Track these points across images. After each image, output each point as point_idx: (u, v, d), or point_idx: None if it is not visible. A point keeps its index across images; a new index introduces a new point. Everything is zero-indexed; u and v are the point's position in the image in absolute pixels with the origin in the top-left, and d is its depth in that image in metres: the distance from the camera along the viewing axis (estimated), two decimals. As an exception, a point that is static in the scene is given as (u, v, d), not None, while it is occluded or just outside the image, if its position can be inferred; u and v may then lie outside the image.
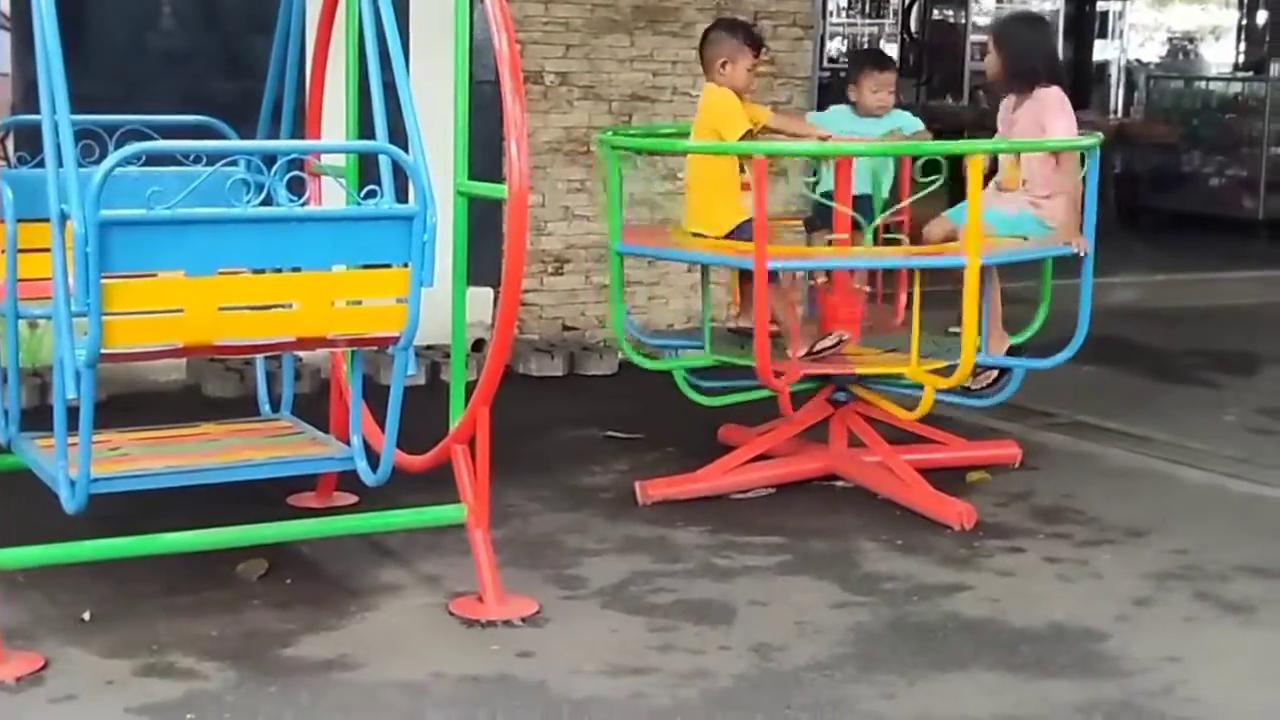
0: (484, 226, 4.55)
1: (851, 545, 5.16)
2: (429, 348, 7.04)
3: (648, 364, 5.93)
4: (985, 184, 5.67)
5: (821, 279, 5.90)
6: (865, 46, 17.98)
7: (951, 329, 5.74)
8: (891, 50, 21.51)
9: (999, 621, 4.49)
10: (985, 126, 8.32)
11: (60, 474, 4.14)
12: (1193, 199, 14.43)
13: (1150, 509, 5.62)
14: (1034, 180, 5.74)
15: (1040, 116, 5.76)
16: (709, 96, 5.74)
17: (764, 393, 5.74)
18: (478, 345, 7.02)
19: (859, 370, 5.69)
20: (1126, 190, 14.32)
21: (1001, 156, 5.82)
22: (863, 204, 5.68)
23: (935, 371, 5.53)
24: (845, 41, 22.95)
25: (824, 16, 13.75)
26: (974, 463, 6.07)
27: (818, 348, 5.67)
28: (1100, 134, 5.89)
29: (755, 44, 5.80)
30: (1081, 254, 5.60)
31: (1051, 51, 6.49)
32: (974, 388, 5.94)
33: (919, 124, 6.19)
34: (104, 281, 3.81)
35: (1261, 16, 21.73)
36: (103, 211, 3.77)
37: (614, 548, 5.10)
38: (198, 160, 4.50)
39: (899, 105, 6.32)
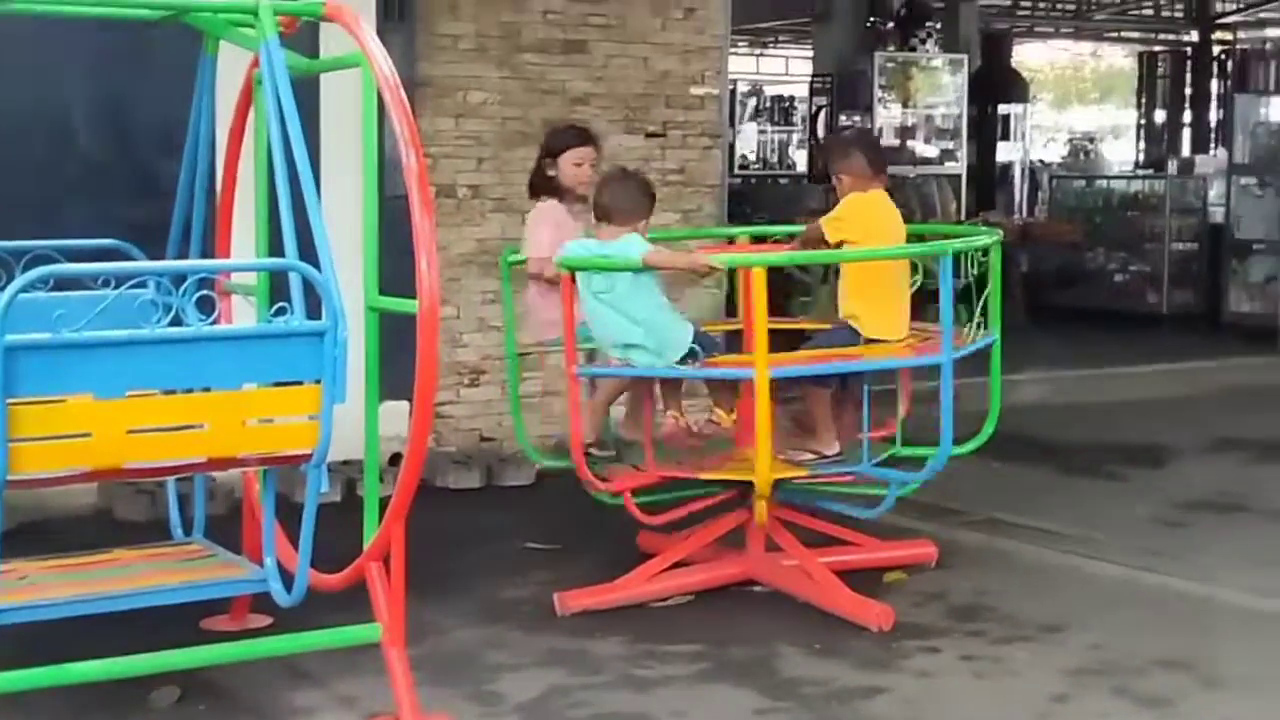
0: (399, 340, 4.54)
1: (771, 650, 5.16)
2: (345, 463, 7.00)
3: (549, 462, 6.01)
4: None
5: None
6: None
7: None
8: (800, 157, 21.88)
9: (918, 723, 4.50)
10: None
11: (-34, 604, 4.07)
12: (1097, 295, 14.72)
13: (1064, 604, 5.67)
14: None
15: None
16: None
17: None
18: (395, 459, 6.97)
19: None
20: (1033, 288, 14.56)
21: None
22: None
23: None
24: (757, 149, 23.36)
25: (732, 125, 13.96)
26: (890, 563, 6.11)
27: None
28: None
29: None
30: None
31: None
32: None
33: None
34: (10, 406, 3.77)
35: (1159, 116, 22.35)
36: (8, 336, 3.74)
37: (533, 661, 5.07)
38: (106, 283, 4.49)
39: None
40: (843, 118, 15.76)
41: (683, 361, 5.43)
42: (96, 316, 3.91)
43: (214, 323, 4.19)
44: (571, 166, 6.10)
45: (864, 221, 5.82)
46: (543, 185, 6.17)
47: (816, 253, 6.10)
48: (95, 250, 5.12)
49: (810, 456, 5.71)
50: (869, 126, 15.33)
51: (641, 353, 5.47)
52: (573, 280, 5.50)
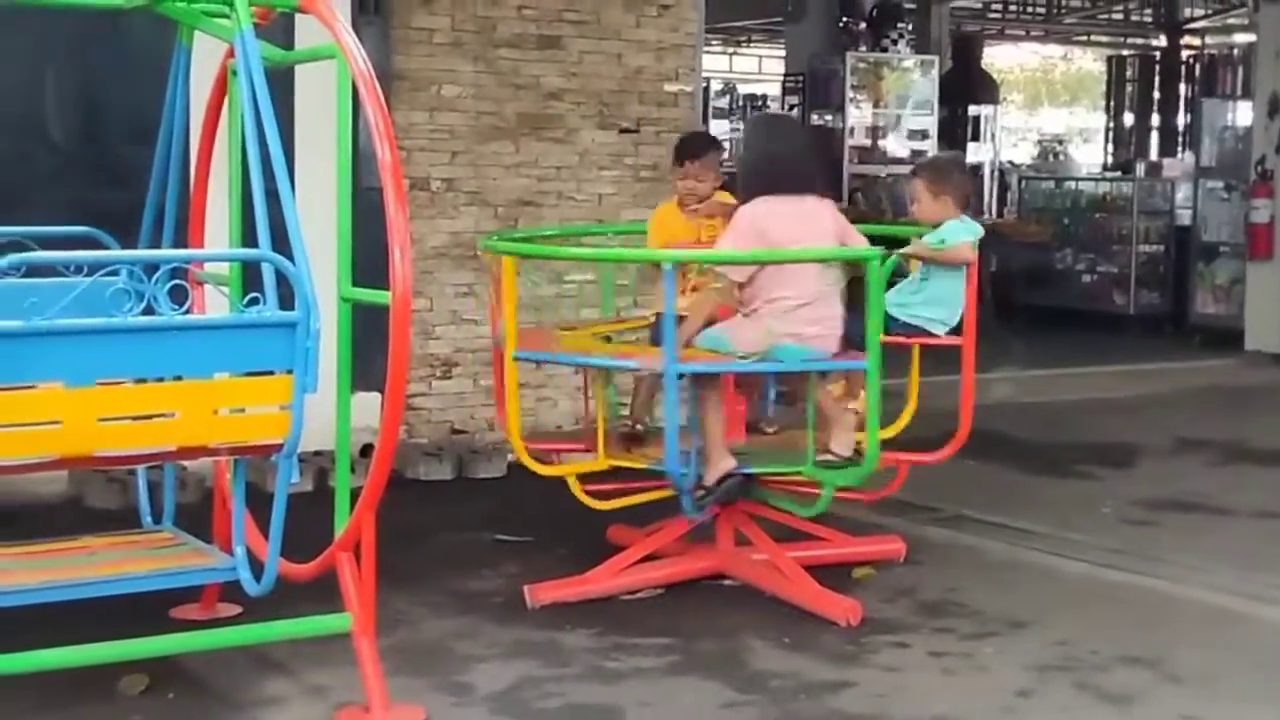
0: (372, 330, 4.55)
1: (740, 644, 5.18)
2: (316, 453, 6.99)
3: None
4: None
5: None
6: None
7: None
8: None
9: (884, 717, 4.53)
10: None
11: (-66, 591, 4.06)
12: (1066, 295, 14.81)
13: (1031, 601, 5.72)
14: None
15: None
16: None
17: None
18: (366, 450, 6.99)
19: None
20: (1001, 288, 14.63)
21: None
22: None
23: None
24: (730, 147, 23.36)
25: (705, 122, 13.99)
26: (860, 559, 6.14)
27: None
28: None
29: (678, 156, 6.13)
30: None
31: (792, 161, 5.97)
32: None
33: None
34: (-20, 393, 3.77)
35: (1128, 119, 22.48)
36: (-21, 323, 3.74)
37: (503, 653, 5.09)
38: (79, 271, 4.48)
39: None
40: (814, 117, 15.81)
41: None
42: (68, 304, 3.91)
43: (186, 312, 4.18)
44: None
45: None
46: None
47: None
48: (68, 237, 5.11)
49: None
50: (837, 126, 15.40)
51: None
52: None
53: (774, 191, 5.58)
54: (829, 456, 5.65)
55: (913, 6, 16.88)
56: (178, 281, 4.19)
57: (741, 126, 19.74)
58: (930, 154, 15.28)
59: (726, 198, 6.04)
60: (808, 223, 5.60)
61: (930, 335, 5.77)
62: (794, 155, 5.76)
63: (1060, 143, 26.37)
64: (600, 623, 5.37)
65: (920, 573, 6.07)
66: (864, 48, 15.86)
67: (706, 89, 20.28)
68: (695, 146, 6.23)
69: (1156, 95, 22.05)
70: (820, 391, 5.69)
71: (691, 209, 6.12)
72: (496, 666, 4.94)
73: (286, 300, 4.23)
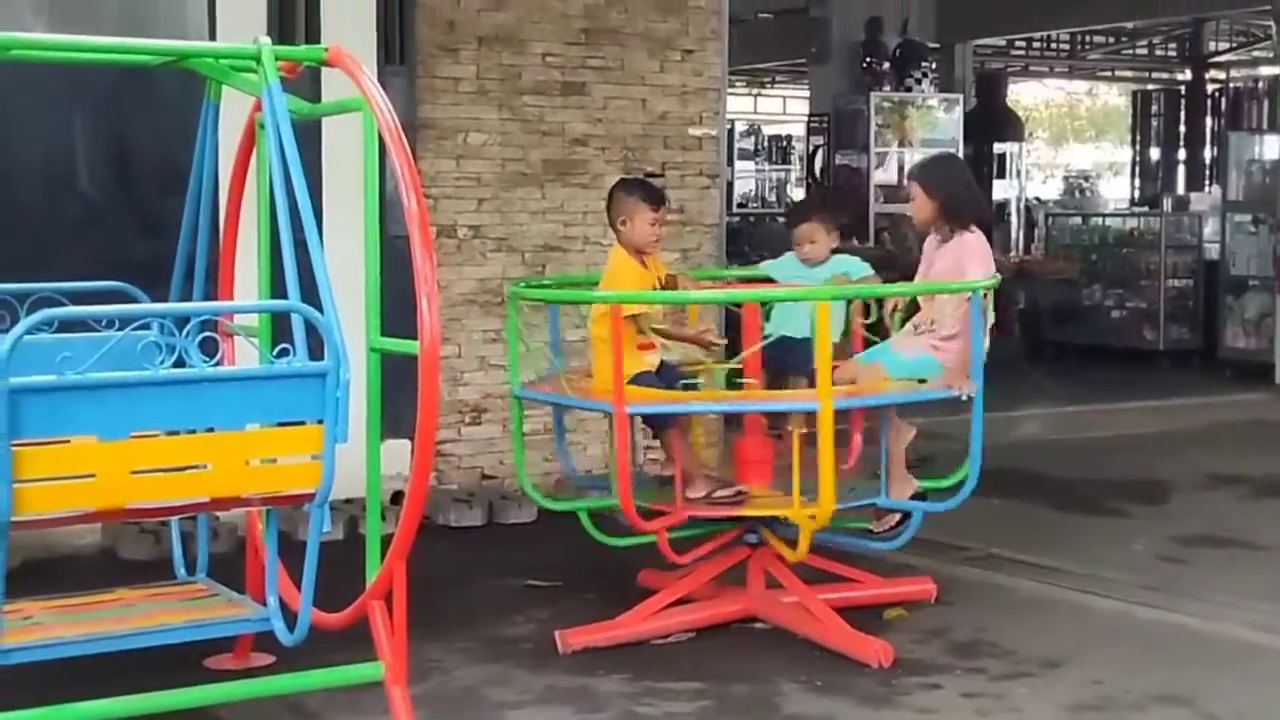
0: (402, 378, 4.58)
1: (772, 687, 5.18)
2: (347, 501, 7.03)
3: (551, 505, 6.05)
4: (902, 325, 5.88)
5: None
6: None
7: (878, 471, 5.84)
8: (798, 195, 21.99)
9: (919, 759, 4.52)
10: (892, 266, 8.57)
11: (-30, 644, 4.09)
12: (1094, 331, 14.77)
13: (1064, 640, 5.69)
14: (942, 322, 5.85)
15: (961, 259, 5.87)
16: (609, 258, 5.92)
17: (671, 534, 5.81)
18: (397, 497, 7.01)
19: (741, 513, 5.73)
20: (1030, 325, 14.63)
21: (921, 298, 5.96)
22: (801, 348, 5.71)
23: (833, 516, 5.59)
24: (755, 187, 23.46)
25: (730, 165, 14.04)
26: (890, 600, 6.12)
27: (717, 495, 5.73)
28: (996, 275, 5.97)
29: (653, 200, 5.92)
30: (965, 398, 5.64)
31: (979, 193, 6.57)
32: (876, 530, 5.98)
33: (865, 268, 6.24)
34: (14, 449, 3.80)
35: (1154, 153, 22.47)
36: (12, 379, 3.78)
37: (535, 699, 5.09)
38: (110, 325, 4.52)
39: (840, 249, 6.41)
40: (839, 157, 15.85)
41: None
42: (100, 358, 3.95)
43: (217, 364, 4.22)
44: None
45: None
46: None
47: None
48: (99, 292, 5.16)
49: (728, 494, 5.77)
50: (857, 167, 15.43)
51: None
52: None
53: (976, 223, 5.95)
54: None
55: (936, 46, 16.92)
56: (208, 333, 4.23)
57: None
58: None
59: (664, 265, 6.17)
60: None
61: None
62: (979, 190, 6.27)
63: (1087, 178, 26.35)
64: (632, 667, 5.37)
65: (952, 613, 6.06)
66: (888, 87, 15.91)
67: (731, 130, 20.38)
68: (661, 191, 6.23)
69: (1183, 129, 22.04)
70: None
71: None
72: (529, 713, 4.94)
73: (316, 350, 4.27)
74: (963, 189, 6.08)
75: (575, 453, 8.38)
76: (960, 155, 16.06)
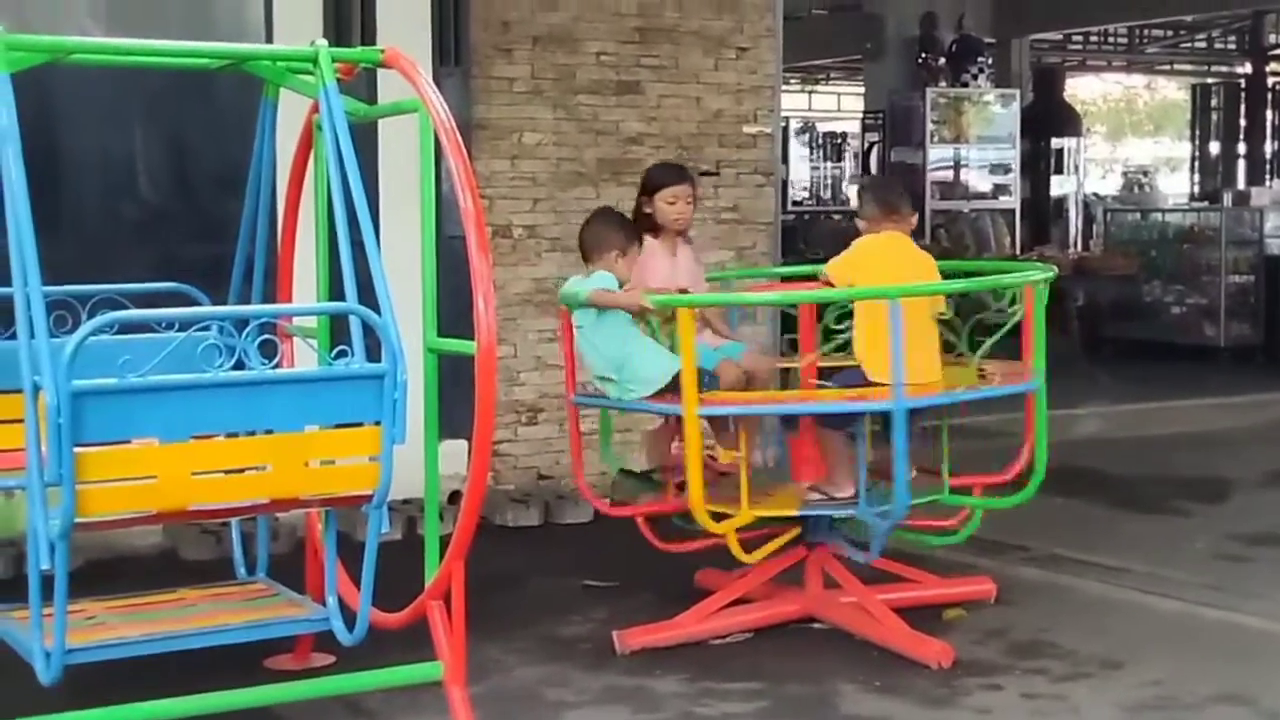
0: (459, 378, 4.60)
1: (830, 688, 5.16)
2: (405, 502, 7.05)
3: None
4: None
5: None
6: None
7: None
8: (853, 192, 21.89)
9: (980, 760, 4.49)
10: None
11: (35, 646, 4.13)
12: (1154, 328, 14.64)
13: (1125, 640, 5.64)
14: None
15: None
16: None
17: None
18: (455, 497, 7.04)
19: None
20: (1089, 321, 14.50)
21: None
22: None
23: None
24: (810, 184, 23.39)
25: (785, 162, 14.01)
26: (950, 600, 6.08)
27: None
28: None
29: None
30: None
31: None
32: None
33: None
34: (77, 452, 3.84)
35: (1214, 148, 22.25)
36: (75, 382, 3.81)
37: (593, 699, 5.09)
38: (170, 327, 4.56)
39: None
40: (894, 153, 15.78)
41: (672, 392, 5.45)
42: (161, 361, 3.98)
43: (276, 366, 4.24)
44: (666, 204, 6.13)
45: (860, 263, 5.74)
46: (641, 223, 6.14)
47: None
48: (159, 294, 5.21)
49: (819, 497, 5.71)
50: (913, 164, 15.35)
51: (611, 385, 5.66)
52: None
53: None
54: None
55: (992, 41, 16.83)
56: (267, 335, 4.26)
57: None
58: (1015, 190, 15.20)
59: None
60: None
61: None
62: None
63: (1145, 173, 26.13)
64: (689, 668, 5.37)
65: (1011, 613, 6.01)
66: (944, 83, 15.82)
67: (785, 128, 20.33)
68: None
69: (1243, 123, 21.81)
70: None
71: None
72: (587, 713, 4.95)
73: (374, 351, 4.28)
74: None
75: (626, 454, 8.41)
76: (1019, 150, 15.98)
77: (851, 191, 22.50)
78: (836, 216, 20.95)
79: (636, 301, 5.62)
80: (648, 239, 6.06)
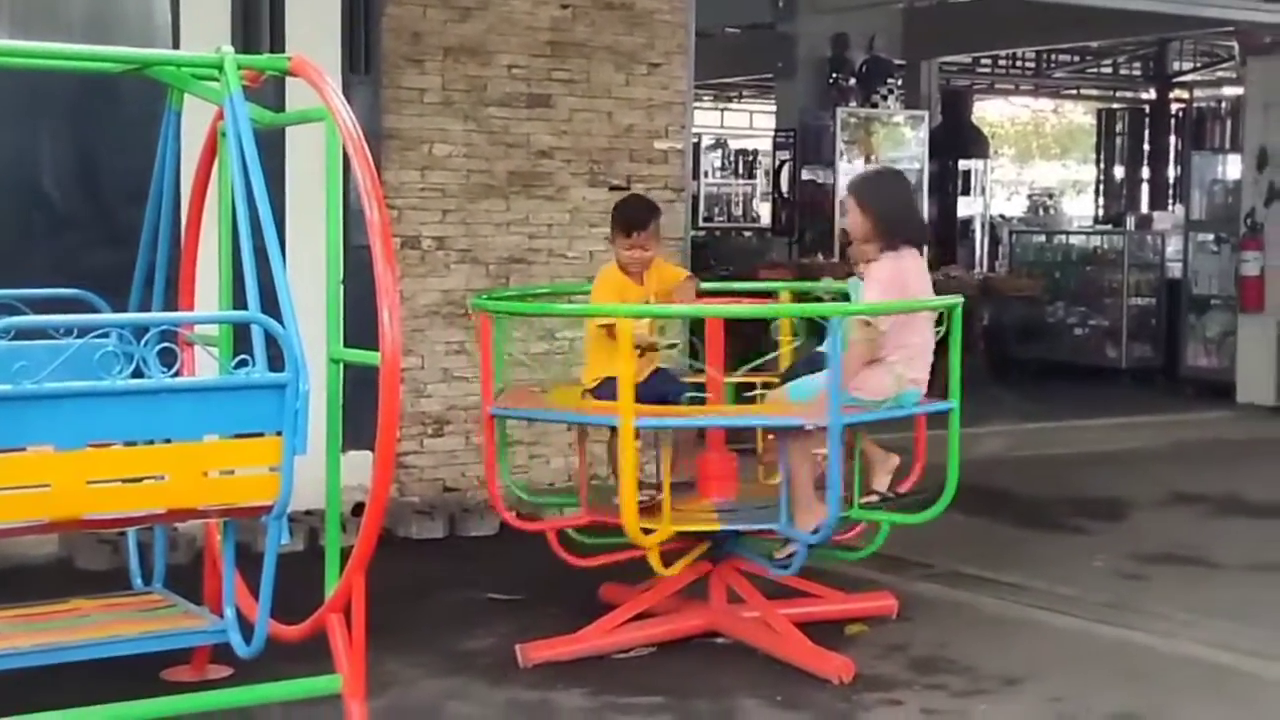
0: (364, 388, 4.56)
1: (733, 703, 5.16)
2: (307, 513, 6.98)
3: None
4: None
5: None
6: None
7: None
8: (764, 210, 22.04)
9: (879, 775, 4.52)
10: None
11: (-77, 655, 4.05)
12: (1058, 349, 14.85)
13: (1024, 657, 5.70)
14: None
15: (866, 285, 5.82)
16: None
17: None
18: (358, 509, 6.96)
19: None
20: (994, 342, 14.66)
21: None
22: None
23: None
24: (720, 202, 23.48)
25: (696, 178, 14.03)
26: (852, 615, 6.12)
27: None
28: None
29: (624, 226, 6.04)
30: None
31: (916, 213, 6.57)
32: (779, 556, 5.81)
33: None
34: (-31, 458, 3.77)
35: (1119, 172, 22.59)
36: (-32, 387, 3.74)
37: (496, 713, 5.07)
38: (68, 333, 4.48)
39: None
40: (805, 172, 15.87)
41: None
42: (58, 367, 3.91)
43: (175, 374, 4.19)
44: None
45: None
46: None
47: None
48: (58, 299, 5.12)
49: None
50: (823, 183, 15.45)
51: None
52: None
53: (909, 244, 5.86)
54: (873, 497, 5.86)
55: (902, 63, 16.97)
56: (167, 343, 4.20)
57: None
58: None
59: (679, 273, 6.24)
60: (925, 274, 6.01)
61: None
62: (917, 210, 6.20)
63: (1051, 196, 26.48)
64: (593, 681, 5.35)
65: (912, 629, 6.06)
66: (854, 103, 15.94)
67: (697, 145, 20.39)
68: (641, 216, 6.16)
69: (1146, 148, 22.16)
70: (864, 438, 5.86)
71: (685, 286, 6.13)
72: (488, 727, 4.92)
73: (277, 360, 4.24)
74: (899, 207, 6.01)
75: (537, 465, 8.40)
76: (898, 173, 16.11)
77: (763, 209, 22.64)
78: (747, 234, 21.03)
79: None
80: None
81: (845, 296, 6.13)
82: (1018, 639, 5.99)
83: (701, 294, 6.32)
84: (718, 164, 24.10)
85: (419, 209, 8.16)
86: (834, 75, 16.05)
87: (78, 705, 4.23)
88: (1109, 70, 23.53)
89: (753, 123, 28.31)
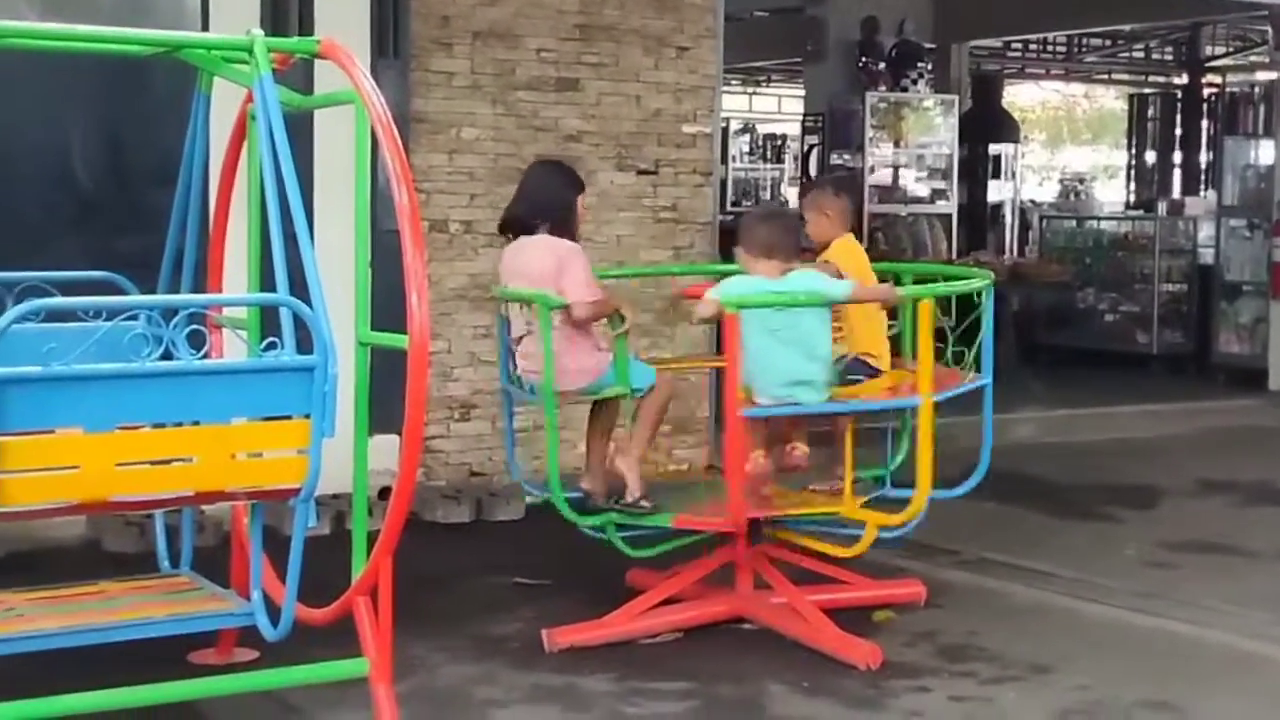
0: (391, 372, 4.55)
1: (759, 688, 5.15)
2: (334, 496, 6.98)
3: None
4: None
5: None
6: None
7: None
8: (792, 195, 22.00)
9: (906, 763, 4.50)
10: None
11: (-48, 637, 4.06)
12: (1088, 335, 14.75)
13: (1053, 645, 5.67)
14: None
15: None
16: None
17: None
18: (384, 493, 6.98)
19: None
20: (1024, 328, 14.58)
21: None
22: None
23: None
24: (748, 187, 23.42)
25: (725, 163, 13.99)
26: (880, 602, 6.10)
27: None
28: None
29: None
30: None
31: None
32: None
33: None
34: (-1, 439, 3.77)
35: (1150, 157, 22.44)
36: (-1, 369, 3.75)
37: (522, 698, 5.06)
38: (97, 315, 4.49)
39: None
40: (834, 156, 15.81)
41: None
42: (88, 350, 3.92)
43: (204, 357, 4.19)
44: (582, 208, 6.12)
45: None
46: (574, 224, 6.04)
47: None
48: (87, 282, 5.13)
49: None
50: (852, 167, 15.39)
51: (808, 389, 5.51)
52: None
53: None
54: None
55: (932, 47, 16.88)
56: (196, 326, 4.20)
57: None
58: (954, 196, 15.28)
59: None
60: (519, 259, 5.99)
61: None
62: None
63: (1082, 181, 26.31)
64: (619, 667, 5.35)
65: (941, 616, 6.03)
66: (884, 88, 15.87)
67: (725, 129, 20.33)
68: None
69: (1178, 133, 22.00)
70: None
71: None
72: (515, 712, 4.92)
73: (305, 343, 4.24)
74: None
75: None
76: (957, 155, 16.07)
77: (791, 194, 22.61)
78: (776, 218, 20.93)
79: (896, 295, 5.88)
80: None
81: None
82: (1047, 627, 5.96)
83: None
84: (746, 148, 24.06)
85: (447, 192, 8.15)
86: (863, 59, 15.98)
87: (104, 687, 4.24)
88: (1141, 54, 23.37)
89: (781, 107, 28.21)
